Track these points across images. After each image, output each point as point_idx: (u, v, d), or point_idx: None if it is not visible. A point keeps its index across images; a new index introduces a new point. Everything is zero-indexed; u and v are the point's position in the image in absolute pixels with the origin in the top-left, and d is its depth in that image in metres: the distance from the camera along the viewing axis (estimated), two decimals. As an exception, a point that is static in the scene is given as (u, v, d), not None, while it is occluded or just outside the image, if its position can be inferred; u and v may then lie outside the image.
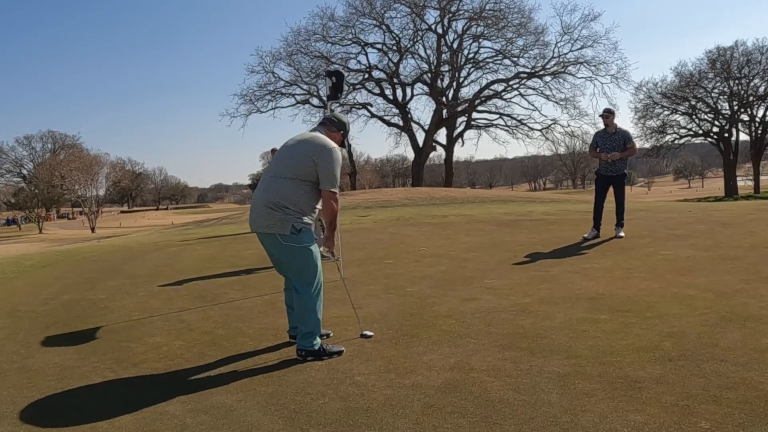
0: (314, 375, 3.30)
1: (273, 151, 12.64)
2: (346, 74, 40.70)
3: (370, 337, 3.98)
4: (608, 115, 7.79)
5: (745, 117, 50.19)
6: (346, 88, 39.61)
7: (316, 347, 3.62)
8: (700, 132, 51.43)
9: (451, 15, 40.78)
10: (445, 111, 42.18)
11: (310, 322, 3.63)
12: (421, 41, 41.92)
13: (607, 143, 7.77)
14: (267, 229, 3.58)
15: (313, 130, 3.88)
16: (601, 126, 8.05)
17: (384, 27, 40.93)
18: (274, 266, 4.01)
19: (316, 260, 3.66)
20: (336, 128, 3.89)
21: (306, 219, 3.60)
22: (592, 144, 8.04)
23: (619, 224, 7.93)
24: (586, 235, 7.91)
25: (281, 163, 3.66)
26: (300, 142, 3.70)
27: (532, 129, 41.14)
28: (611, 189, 7.88)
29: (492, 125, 42.47)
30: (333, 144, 3.70)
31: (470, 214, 12.96)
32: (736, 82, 48.15)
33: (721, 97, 49.84)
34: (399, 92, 42.76)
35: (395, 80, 42.03)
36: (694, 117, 51.14)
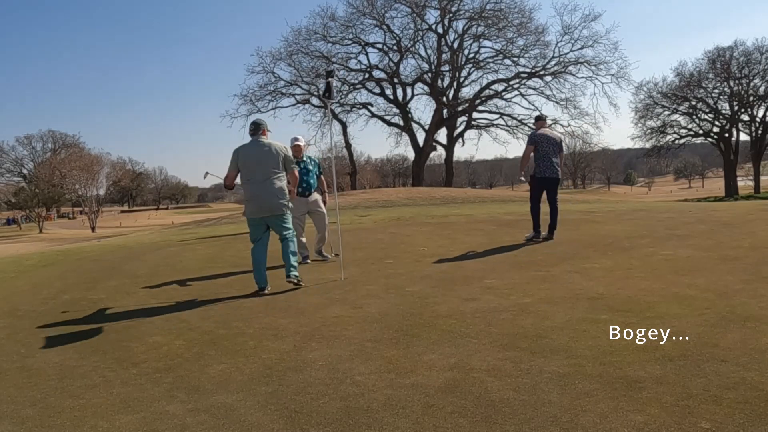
0: (314, 375, 3.30)
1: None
2: (345, 74, 40.24)
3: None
4: (538, 122, 8.23)
5: (745, 117, 50.26)
6: (346, 88, 39.81)
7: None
8: (701, 132, 51.43)
9: (451, 15, 40.78)
10: (445, 111, 42.16)
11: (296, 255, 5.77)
12: (421, 41, 41.98)
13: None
14: (279, 211, 5.55)
15: (256, 137, 5.57)
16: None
17: (384, 27, 40.95)
18: (260, 234, 5.71)
19: None
20: (266, 128, 5.68)
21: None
22: None
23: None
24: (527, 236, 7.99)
25: (267, 167, 5.47)
26: (267, 150, 5.50)
27: (532, 129, 41.06)
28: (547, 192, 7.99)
29: (492, 125, 42.45)
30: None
31: (470, 213, 12.96)
32: (736, 82, 48.15)
33: (721, 97, 49.86)
34: (399, 92, 42.80)
35: (396, 80, 42.03)
36: (694, 117, 51.15)
